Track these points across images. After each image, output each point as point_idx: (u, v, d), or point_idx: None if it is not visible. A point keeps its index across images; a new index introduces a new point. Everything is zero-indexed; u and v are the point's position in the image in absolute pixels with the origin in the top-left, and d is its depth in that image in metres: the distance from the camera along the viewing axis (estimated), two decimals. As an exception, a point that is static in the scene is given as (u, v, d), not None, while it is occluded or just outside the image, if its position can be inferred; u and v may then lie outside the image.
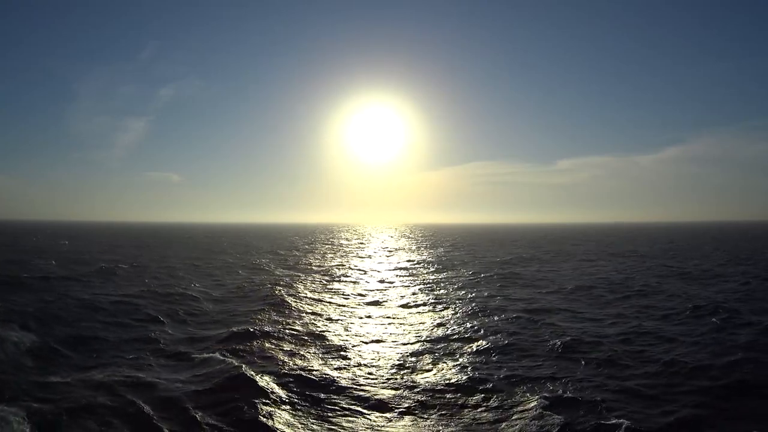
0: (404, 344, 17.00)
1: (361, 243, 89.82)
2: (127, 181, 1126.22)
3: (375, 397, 12.07)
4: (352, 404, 11.68)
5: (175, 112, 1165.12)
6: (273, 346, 16.57)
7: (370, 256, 57.32)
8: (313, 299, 26.07)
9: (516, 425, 10.37)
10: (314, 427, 10.49)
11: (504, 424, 10.56)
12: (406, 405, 11.57)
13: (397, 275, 37.80)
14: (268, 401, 11.49)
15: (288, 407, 11.41)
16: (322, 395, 12.15)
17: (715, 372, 13.27)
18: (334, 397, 12.09)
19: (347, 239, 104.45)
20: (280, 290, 27.63)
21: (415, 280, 34.47)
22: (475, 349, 16.08)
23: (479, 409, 11.38)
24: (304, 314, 22.09)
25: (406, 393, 12.27)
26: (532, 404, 11.21)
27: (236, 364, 14.09)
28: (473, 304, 23.74)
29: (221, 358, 14.88)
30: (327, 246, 78.68)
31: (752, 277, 32.69)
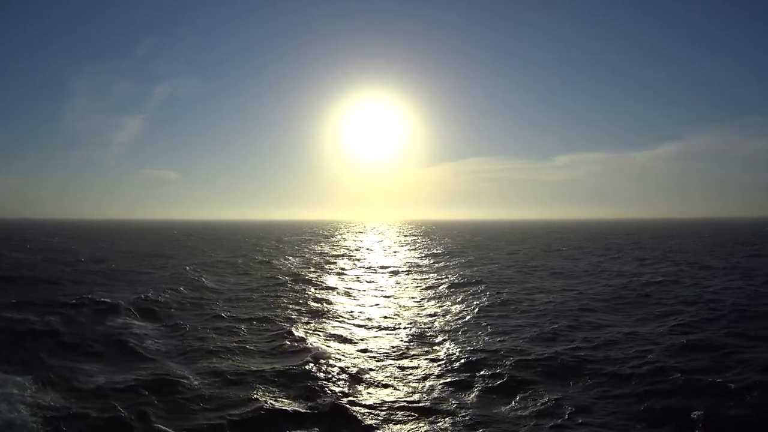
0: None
1: (355, 240, 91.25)
2: (124, 179, 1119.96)
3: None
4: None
5: (171, 110, 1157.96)
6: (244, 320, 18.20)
7: (362, 248, 58.82)
8: (297, 291, 27.67)
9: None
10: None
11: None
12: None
13: (388, 269, 39.38)
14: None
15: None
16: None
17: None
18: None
19: (342, 235, 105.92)
20: (269, 282, 29.12)
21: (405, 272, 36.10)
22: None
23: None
24: (287, 302, 23.77)
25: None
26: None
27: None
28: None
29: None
30: (321, 242, 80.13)
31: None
